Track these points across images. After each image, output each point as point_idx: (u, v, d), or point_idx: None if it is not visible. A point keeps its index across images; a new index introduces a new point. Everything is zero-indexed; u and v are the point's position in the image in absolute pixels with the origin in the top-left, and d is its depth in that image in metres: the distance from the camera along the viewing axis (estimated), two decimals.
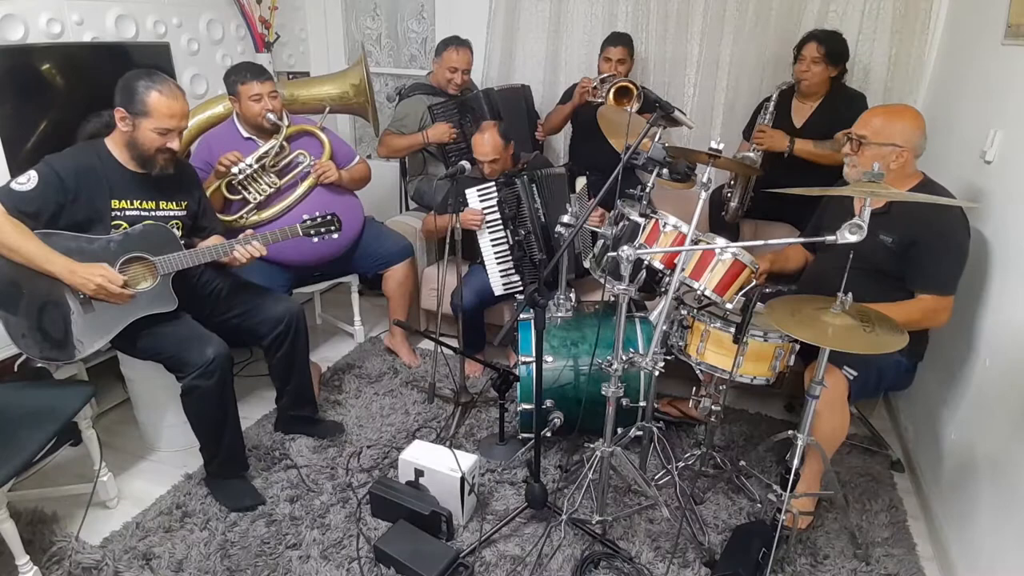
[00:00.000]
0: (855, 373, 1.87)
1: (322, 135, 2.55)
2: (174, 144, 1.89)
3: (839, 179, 2.01)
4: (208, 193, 2.29)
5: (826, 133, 2.57)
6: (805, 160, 2.61)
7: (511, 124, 2.88)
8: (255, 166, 2.38)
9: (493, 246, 2.65)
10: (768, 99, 2.74)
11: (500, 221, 2.61)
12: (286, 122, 2.42)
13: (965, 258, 1.84)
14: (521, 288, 2.64)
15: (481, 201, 2.61)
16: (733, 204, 2.70)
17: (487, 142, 2.56)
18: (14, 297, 1.77)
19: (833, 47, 2.56)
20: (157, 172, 1.92)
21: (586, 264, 2.10)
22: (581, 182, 2.41)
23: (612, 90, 2.77)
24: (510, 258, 2.63)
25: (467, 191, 2.60)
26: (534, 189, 2.60)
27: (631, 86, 2.75)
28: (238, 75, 2.35)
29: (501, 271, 2.66)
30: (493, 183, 2.60)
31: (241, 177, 2.37)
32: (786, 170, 2.58)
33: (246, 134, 2.44)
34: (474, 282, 2.67)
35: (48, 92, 2.32)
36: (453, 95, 3.05)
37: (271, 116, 2.36)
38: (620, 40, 2.91)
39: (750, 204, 2.74)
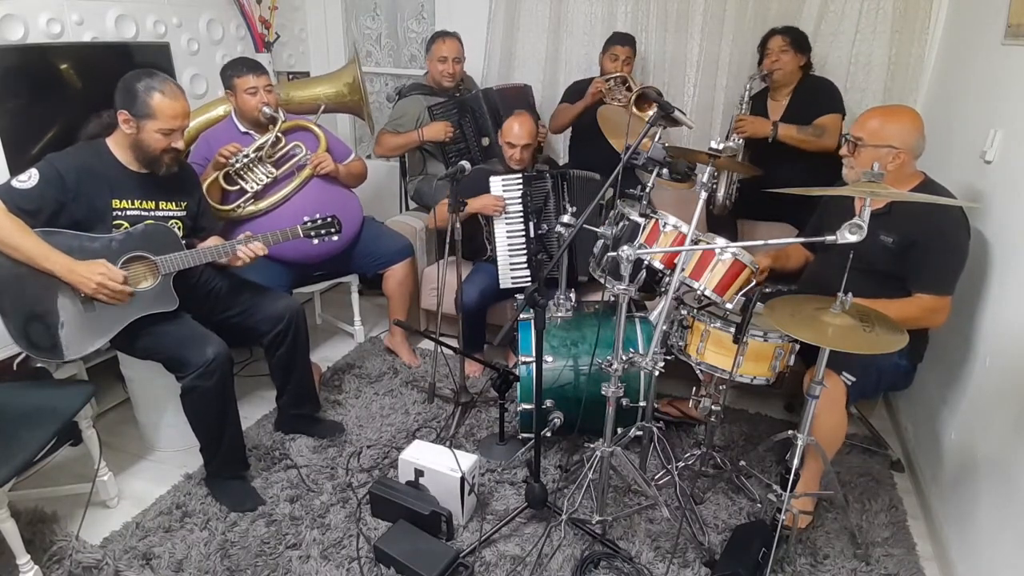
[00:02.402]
0: (853, 379, 1.86)
1: (317, 129, 2.56)
2: (178, 144, 1.91)
3: (837, 176, 2.01)
4: (206, 184, 2.30)
5: (804, 122, 2.62)
6: (791, 145, 2.63)
7: None
8: (252, 155, 2.39)
9: (508, 237, 2.65)
10: (741, 98, 2.76)
11: (521, 213, 2.61)
12: (282, 115, 2.44)
13: (964, 258, 1.83)
14: (529, 283, 2.64)
15: (504, 191, 2.61)
16: (720, 195, 2.71)
17: (523, 125, 2.56)
18: (6, 296, 1.76)
19: (796, 36, 2.66)
20: (164, 171, 1.94)
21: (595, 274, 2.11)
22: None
23: (635, 96, 2.77)
24: (523, 251, 2.64)
25: (491, 179, 2.61)
26: (565, 187, 2.61)
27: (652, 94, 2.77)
28: (234, 69, 2.38)
29: (512, 264, 2.66)
30: (520, 175, 2.60)
31: (238, 166, 2.38)
32: (776, 158, 2.59)
33: (243, 129, 2.47)
34: (478, 280, 2.67)
35: (48, 92, 2.32)
36: (451, 95, 3.05)
37: (267, 109, 2.39)
38: (626, 40, 2.94)
39: (736, 196, 2.73)
